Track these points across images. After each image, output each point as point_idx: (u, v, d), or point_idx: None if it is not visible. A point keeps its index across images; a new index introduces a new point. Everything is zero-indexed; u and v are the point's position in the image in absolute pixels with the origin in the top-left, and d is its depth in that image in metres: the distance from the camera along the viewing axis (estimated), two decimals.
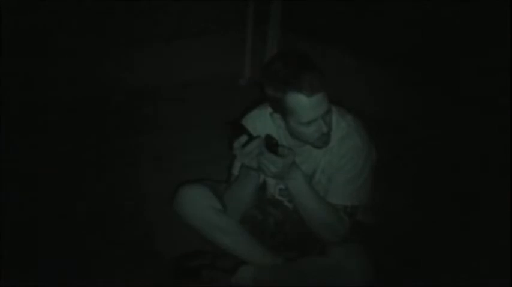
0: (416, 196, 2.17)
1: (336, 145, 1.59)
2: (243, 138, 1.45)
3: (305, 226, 1.63)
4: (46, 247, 1.88)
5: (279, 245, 1.76)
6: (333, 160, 1.60)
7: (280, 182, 1.65)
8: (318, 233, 1.62)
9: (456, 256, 1.88)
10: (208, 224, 1.71)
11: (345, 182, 1.58)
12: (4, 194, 2.07)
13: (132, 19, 2.97)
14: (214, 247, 1.75)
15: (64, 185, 2.22)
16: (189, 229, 1.75)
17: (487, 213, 2.07)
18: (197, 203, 1.72)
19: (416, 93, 2.71)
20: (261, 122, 1.65)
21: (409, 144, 2.56)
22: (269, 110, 1.56)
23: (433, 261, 1.84)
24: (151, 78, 3.06)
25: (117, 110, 2.85)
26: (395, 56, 2.74)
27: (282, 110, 1.50)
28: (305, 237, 1.69)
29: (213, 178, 1.91)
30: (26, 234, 1.93)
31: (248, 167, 1.52)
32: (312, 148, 1.60)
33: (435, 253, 1.89)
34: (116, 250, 1.90)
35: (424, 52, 2.64)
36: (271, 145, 1.47)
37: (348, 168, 1.58)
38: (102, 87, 2.92)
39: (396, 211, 2.02)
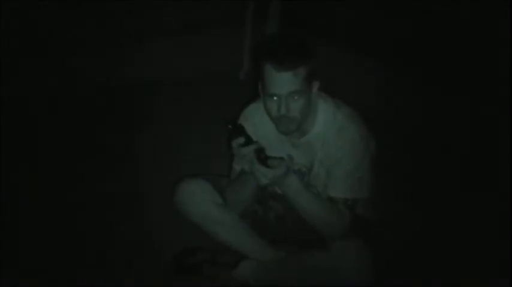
0: (416, 194, 2.17)
1: (333, 136, 1.59)
2: (240, 140, 1.49)
3: (305, 220, 1.63)
4: (46, 246, 1.88)
5: (280, 240, 1.76)
6: (331, 152, 1.60)
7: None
8: (319, 229, 1.62)
9: (456, 256, 1.89)
10: (209, 218, 1.72)
11: (344, 175, 1.58)
12: (4, 194, 2.07)
13: (131, 17, 2.96)
14: (214, 242, 1.75)
15: (63, 184, 2.22)
16: (189, 225, 1.75)
17: (487, 213, 2.07)
18: (198, 198, 1.73)
19: (416, 90, 2.71)
20: (259, 116, 1.67)
21: (409, 140, 2.56)
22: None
23: (433, 260, 1.85)
24: (150, 75, 3.05)
25: (116, 108, 2.84)
26: (395, 53, 2.74)
27: (260, 77, 1.54)
28: (305, 231, 1.68)
29: (213, 174, 1.92)
30: (26, 234, 1.92)
31: (243, 168, 1.55)
32: (310, 140, 1.61)
33: (435, 252, 1.89)
34: (115, 249, 1.89)
35: (424, 49, 2.64)
36: (260, 157, 1.50)
37: (347, 161, 1.58)
38: (101, 86, 2.92)
39: (396, 207, 2.02)
